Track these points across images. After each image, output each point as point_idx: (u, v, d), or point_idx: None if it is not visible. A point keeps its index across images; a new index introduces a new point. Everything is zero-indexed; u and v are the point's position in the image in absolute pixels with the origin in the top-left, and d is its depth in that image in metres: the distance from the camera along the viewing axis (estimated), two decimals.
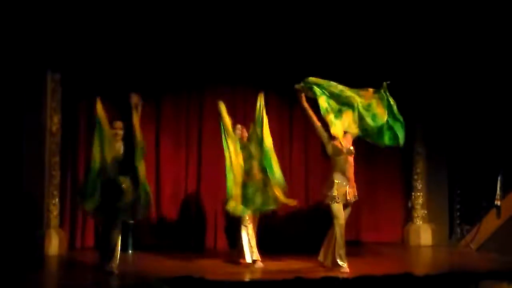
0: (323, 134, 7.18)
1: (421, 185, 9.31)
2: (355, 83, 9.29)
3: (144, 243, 8.63)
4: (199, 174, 8.93)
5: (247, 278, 6.75)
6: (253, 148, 7.49)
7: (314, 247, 7.54)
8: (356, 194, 7.16)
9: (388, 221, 9.40)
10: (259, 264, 7.29)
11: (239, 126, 7.72)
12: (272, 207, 7.52)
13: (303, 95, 7.26)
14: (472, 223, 8.92)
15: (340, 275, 6.51)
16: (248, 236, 7.35)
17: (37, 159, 8.20)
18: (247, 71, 9.16)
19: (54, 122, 8.36)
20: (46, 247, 8.04)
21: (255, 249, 7.34)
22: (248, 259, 7.33)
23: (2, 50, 8.07)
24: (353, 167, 7.17)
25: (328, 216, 7.15)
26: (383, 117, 7.05)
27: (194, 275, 6.11)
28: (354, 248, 8.10)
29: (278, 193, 7.38)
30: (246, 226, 7.37)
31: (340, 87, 7.16)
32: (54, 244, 8.10)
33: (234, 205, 7.19)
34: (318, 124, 7.21)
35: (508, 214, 8.37)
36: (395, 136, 7.08)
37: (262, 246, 7.57)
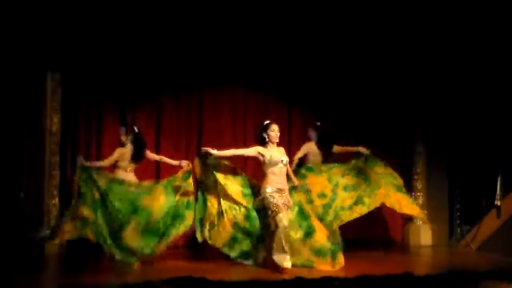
0: None
1: (421, 185, 9.30)
2: (355, 83, 9.40)
3: None
4: None
5: (247, 278, 6.73)
6: None
7: None
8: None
9: (388, 221, 9.39)
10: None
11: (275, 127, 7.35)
12: None
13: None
14: (472, 223, 8.92)
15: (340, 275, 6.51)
16: None
17: (37, 159, 8.20)
18: (247, 71, 9.16)
19: (54, 122, 8.35)
20: (46, 247, 8.03)
21: None
22: None
23: (2, 50, 8.07)
24: None
25: None
26: None
27: (194, 275, 6.10)
28: (353, 248, 8.09)
29: None
30: None
31: None
32: (54, 244, 8.09)
33: None
34: None
35: (508, 214, 8.37)
36: None
37: None
